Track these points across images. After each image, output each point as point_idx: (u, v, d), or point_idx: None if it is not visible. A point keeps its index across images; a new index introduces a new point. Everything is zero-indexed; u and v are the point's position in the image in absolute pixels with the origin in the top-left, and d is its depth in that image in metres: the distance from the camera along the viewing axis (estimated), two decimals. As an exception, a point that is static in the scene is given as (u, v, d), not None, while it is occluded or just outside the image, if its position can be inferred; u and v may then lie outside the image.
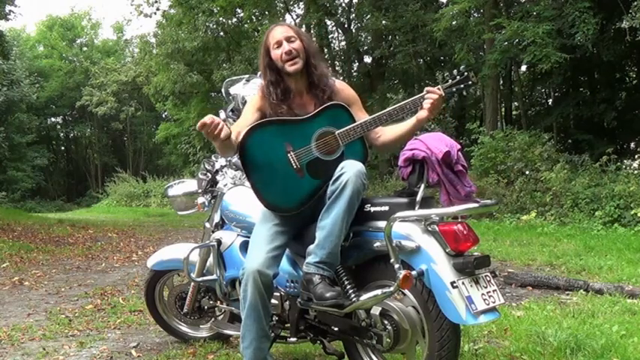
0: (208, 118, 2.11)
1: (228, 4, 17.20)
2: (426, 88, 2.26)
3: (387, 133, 2.41)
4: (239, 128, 2.34)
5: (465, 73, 2.26)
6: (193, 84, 19.85)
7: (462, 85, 2.26)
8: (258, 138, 2.32)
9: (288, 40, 2.34)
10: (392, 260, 2.08)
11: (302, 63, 2.35)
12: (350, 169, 2.18)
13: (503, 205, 9.80)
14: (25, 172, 29.35)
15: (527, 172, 10.31)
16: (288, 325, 2.56)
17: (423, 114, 2.26)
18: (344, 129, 2.30)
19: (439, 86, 2.26)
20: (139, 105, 32.81)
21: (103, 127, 36.50)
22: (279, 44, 2.35)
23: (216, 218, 3.03)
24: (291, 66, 2.34)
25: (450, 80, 2.28)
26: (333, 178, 2.21)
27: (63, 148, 40.77)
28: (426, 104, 2.23)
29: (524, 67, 15.54)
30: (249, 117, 2.41)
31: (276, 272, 2.31)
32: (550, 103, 16.61)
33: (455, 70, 2.30)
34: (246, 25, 18.86)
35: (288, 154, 2.31)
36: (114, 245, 8.80)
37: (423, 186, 2.19)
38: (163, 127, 27.31)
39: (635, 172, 9.31)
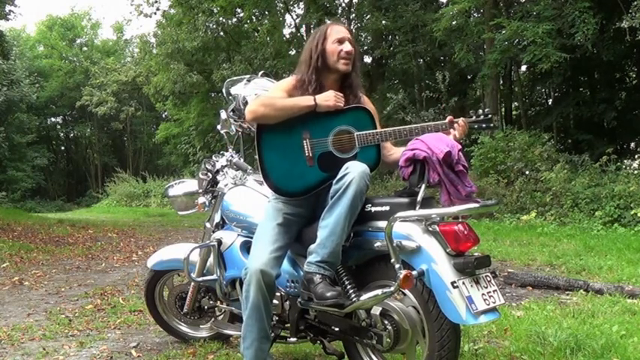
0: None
1: (228, 4, 17.20)
2: (449, 117, 2.37)
3: (398, 152, 2.43)
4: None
5: (490, 116, 2.40)
6: (193, 84, 19.85)
7: (483, 125, 2.42)
8: None
9: (350, 42, 2.40)
10: (392, 260, 2.08)
11: (351, 66, 2.41)
12: (354, 170, 2.19)
13: (503, 205, 9.80)
14: (25, 172, 29.31)
15: (527, 172, 10.32)
16: (288, 325, 2.56)
17: None
18: (363, 132, 2.33)
19: (463, 119, 2.37)
20: (139, 105, 32.81)
21: (103, 127, 36.47)
22: (341, 41, 2.39)
23: (217, 218, 3.03)
24: (345, 65, 2.39)
25: (475, 117, 2.41)
26: (337, 177, 2.22)
27: (63, 148, 40.75)
28: (452, 132, 2.33)
29: (524, 67, 15.54)
30: (276, 95, 2.42)
31: (278, 273, 2.32)
32: (550, 103, 16.60)
33: (480, 110, 2.43)
34: (246, 25, 18.86)
35: (304, 141, 2.35)
36: (114, 245, 8.80)
37: (423, 186, 2.19)
38: (163, 127, 27.30)
39: (635, 172, 9.31)
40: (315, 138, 2.35)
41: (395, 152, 2.47)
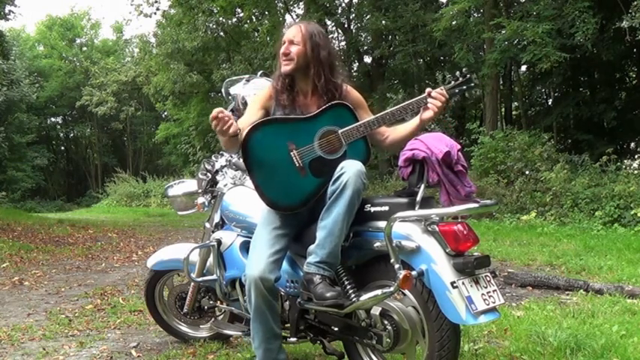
0: (219, 112, 2.13)
1: (228, 4, 17.22)
2: (428, 89, 2.30)
3: (393, 133, 2.43)
4: (242, 125, 2.34)
5: (468, 75, 2.31)
6: (193, 84, 19.86)
7: (464, 87, 2.32)
8: (261, 135, 2.32)
9: (292, 42, 2.39)
10: (392, 260, 2.08)
11: (293, 67, 2.38)
12: (350, 169, 2.18)
13: (503, 205, 9.81)
14: (25, 172, 29.32)
15: (527, 172, 10.32)
16: (288, 325, 2.56)
17: (428, 114, 2.30)
18: (347, 128, 2.31)
19: (442, 87, 2.30)
20: (139, 105, 32.82)
21: (103, 127, 36.49)
22: (284, 42, 2.41)
23: (216, 218, 3.03)
24: (284, 66, 2.39)
25: (453, 81, 2.32)
26: (333, 178, 2.21)
27: (63, 148, 40.75)
28: (431, 105, 2.28)
29: (524, 67, 15.54)
30: (253, 114, 2.42)
31: (278, 275, 2.31)
32: (550, 103, 16.59)
33: (457, 72, 2.34)
34: (246, 25, 18.87)
35: (291, 153, 2.32)
36: (114, 245, 8.80)
37: (423, 186, 2.18)
38: (163, 127, 27.32)
39: (635, 172, 9.32)
40: (301, 146, 2.31)
41: (390, 133, 2.43)
